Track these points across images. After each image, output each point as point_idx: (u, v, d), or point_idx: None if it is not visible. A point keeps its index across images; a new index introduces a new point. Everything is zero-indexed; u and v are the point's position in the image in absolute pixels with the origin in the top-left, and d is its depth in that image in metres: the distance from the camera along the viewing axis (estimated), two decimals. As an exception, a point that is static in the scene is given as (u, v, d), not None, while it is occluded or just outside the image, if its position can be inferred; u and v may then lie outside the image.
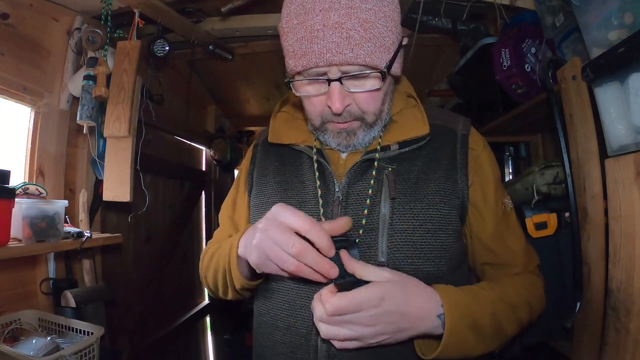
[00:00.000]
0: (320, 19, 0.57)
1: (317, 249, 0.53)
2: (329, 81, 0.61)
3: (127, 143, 1.33)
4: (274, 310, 0.72)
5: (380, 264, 0.63)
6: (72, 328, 1.16)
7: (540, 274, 0.77)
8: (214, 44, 1.77)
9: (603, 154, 0.89)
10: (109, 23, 1.31)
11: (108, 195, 1.33)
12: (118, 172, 1.32)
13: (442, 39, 1.70)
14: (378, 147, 0.70)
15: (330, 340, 0.58)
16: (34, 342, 1.03)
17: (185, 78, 2.32)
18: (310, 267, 0.53)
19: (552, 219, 1.09)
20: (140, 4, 1.32)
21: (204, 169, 2.82)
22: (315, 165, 0.72)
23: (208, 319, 2.85)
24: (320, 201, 0.69)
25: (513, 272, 0.73)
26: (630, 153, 0.80)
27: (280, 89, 2.56)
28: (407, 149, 0.70)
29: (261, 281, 0.72)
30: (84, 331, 1.15)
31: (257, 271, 0.61)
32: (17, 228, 1.06)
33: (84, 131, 1.34)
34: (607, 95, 0.85)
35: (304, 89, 0.65)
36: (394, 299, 0.55)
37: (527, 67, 1.23)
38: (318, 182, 0.71)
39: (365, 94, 0.63)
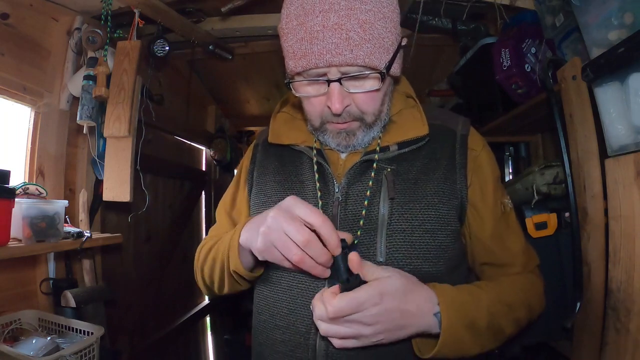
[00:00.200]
0: (320, 20, 0.58)
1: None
2: (329, 82, 0.61)
3: (127, 143, 1.33)
4: (273, 309, 0.72)
5: (378, 264, 0.63)
6: (72, 328, 1.16)
7: (540, 274, 0.77)
8: (214, 44, 1.77)
9: (603, 154, 0.89)
10: (109, 23, 1.31)
11: (108, 195, 1.33)
12: (118, 172, 1.32)
13: (442, 39, 1.70)
14: (377, 148, 0.70)
15: (329, 339, 0.58)
16: (34, 342, 1.03)
17: (185, 78, 2.32)
18: (313, 261, 0.55)
19: (552, 219, 1.09)
20: (140, 4, 1.32)
21: (204, 169, 2.82)
22: (315, 166, 0.73)
23: (208, 319, 2.85)
24: (320, 202, 0.70)
25: (512, 272, 0.73)
26: (630, 153, 0.80)
27: (280, 89, 2.56)
28: (406, 149, 0.70)
29: (259, 274, 0.72)
30: (84, 331, 1.15)
31: (260, 258, 0.61)
32: (17, 228, 1.06)
33: (84, 131, 1.34)
34: (607, 95, 0.85)
35: (304, 89, 0.65)
36: (393, 296, 0.55)
37: (527, 67, 1.23)
38: (318, 184, 0.71)
39: (365, 94, 0.63)
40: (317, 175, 0.72)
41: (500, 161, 1.82)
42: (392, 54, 0.62)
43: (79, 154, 1.50)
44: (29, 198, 1.15)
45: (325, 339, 0.60)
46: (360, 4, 0.58)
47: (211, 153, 2.70)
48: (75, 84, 1.32)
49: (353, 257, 0.55)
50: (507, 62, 1.25)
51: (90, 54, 1.33)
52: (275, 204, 0.72)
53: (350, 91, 0.62)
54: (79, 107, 1.27)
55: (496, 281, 0.71)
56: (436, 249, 0.65)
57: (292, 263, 0.57)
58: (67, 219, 1.31)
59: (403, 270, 0.63)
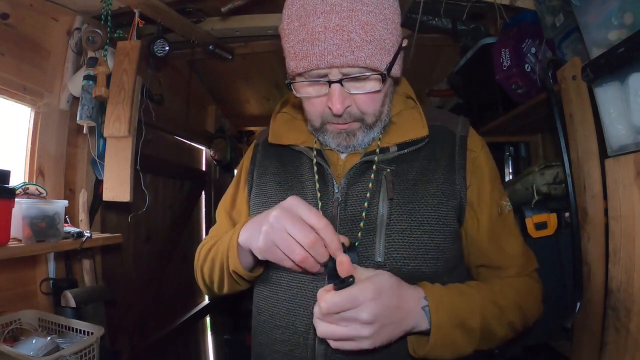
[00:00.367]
0: (321, 21, 0.58)
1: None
2: (330, 83, 0.61)
3: (127, 143, 1.33)
4: (273, 309, 0.72)
5: (377, 264, 0.64)
6: (72, 328, 1.16)
7: (539, 278, 0.76)
8: (214, 44, 1.77)
9: (603, 154, 0.89)
10: (109, 23, 1.31)
11: (108, 195, 1.33)
12: (118, 172, 1.32)
13: (442, 39, 1.70)
14: (377, 149, 0.70)
15: (327, 340, 0.57)
16: (34, 342, 1.03)
17: (185, 78, 2.32)
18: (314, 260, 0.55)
19: (552, 219, 1.09)
20: (140, 4, 1.32)
21: (204, 169, 2.82)
22: (315, 167, 0.73)
23: (208, 319, 2.85)
24: (320, 203, 0.70)
25: (507, 275, 0.72)
26: (630, 153, 0.80)
27: (281, 89, 2.56)
28: (405, 150, 0.71)
29: (258, 274, 0.72)
30: (84, 331, 1.15)
31: (260, 257, 0.61)
32: (17, 228, 1.06)
33: (84, 131, 1.34)
34: (607, 95, 0.85)
35: (305, 90, 0.66)
36: (388, 292, 0.56)
37: (527, 67, 1.23)
38: (317, 184, 0.71)
39: (365, 95, 0.63)
40: (317, 176, 0.72)
41: (500, 161, 1.82)
42: (392, 56, 0.62)
43: (79, 154, 1.50)
44: (29, 198, 1.15)
45: (324, 339, 0.60)
46: (361, 5, 0.58)
47: (211, 153, 2.70)
48: (75, 84, 1.32)
49: (343, 259, 0.55)
50: (507, 62, 1.25)
51: (90, 54, 1.33)
52: (275, 204, 0.72)
53: (351, 92, 0.62)
54: (79, 107, 1.27)
55: (488, 282, 0.70)
56: (435, 249, 0.65)
57: (293, 262, 0.57)
58: (67, 219, 1.31)
59: (402, 271, 0.63)
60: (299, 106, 0.76)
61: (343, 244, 0.58)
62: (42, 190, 1.20)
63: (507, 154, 1.83)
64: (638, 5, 0.81)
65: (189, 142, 2.55)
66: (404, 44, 0.66)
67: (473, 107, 1.64)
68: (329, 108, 0.63)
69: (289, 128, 0.79)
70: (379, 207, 0.67)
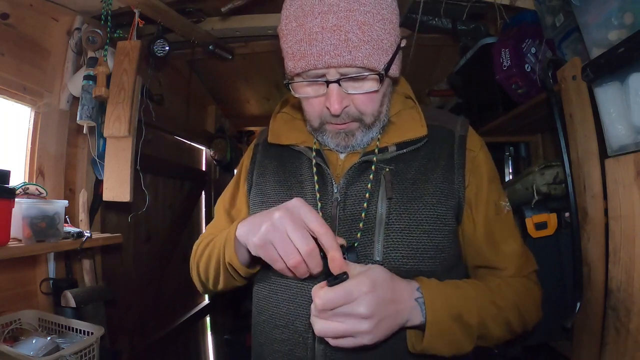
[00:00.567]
0: (318, 21, 0.58)
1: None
2: (328, 83, 0.61)
3: (127, 143, 1.33)
4: (273, 309, 0.72)
5: (376, 263, 0.64)
6: (72, 328, 1.16)
7: (537, 280, 0.74)
8: (214, 44, 1.77)
9: (603, 154, 0.89)
10: (109, 23, 1.31)
11: (108, 195, 1.33)
12: (118, 172, 1.32)
13: (442, 39, 1.70)
14: (376, 149, 0.70)
15: (325, 338, 0.57)
16: (34, 342, 1.03)
17: (185, 78, 2.32)
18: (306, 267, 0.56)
19: (552, 219, 1.09)
20: (140, 4, 1.32)
21: (204, 169, 2.82)
22: (314, 168, 0.73)
23: (208, 319, 2.85)
24: (319, 204, 0.70)
25: (505, 274, 0.71)
26: (630, 153, 0.80)
27: (280, 89, 2.56)
28: (404, 150, 0.71)
29: (254, 271, 0.71)
30: (84, 331, 1.15)
31: (253, 253, 0.61)
32: (17, 228, 1.06)
33: (84, 131, 1.34)
34: (607, 95, 0.85)
35: (303, 90, 0.66)
36: (382, 285, 0.55)
37: (527, 67, 1.23)
38: (317, 185, 0.71)
39: (364, 95, 0.63)
40: (316, 177, 0.72)
41: (500, 161, 1.82)
42: (390, 56, 0.62)
43: (79, 154, 1.50)
44: (29, 198, 1.15)
45: (323, 339, 0.60)
46: (359, 5, 0.58)
47: (211, 153, 2.70)
48: (75, 84, 1.32)
49: (335, 256, 0.54)
50: (507, 62, 1.25)
51: (90, 54, 1.33)
52: (275, 204, 0.72)
53: (349, 92, 0.62)
54: (79, 107, 1.27)
55: (487, 279, 0.70)
56: (433, 248, 0.65)
57: (286, 265, 0.57)
58: (67, 219, 1.31)
59: (401, 270, 0.63)
60: (298, 106, 0.76)
61: (342, 245, 0.58)
62: (42, 190, 1.20)
63: (507, 154, 1.83)
64: (638, 5, 0.81)
65: (189, 142, 2.55)
66: (403, 44, 0.66)
67: (473, 107, 1.64)
68: (327, 108, 0.63)
69: (289, 128, 0.79)
70: (378, 206, 0.67)
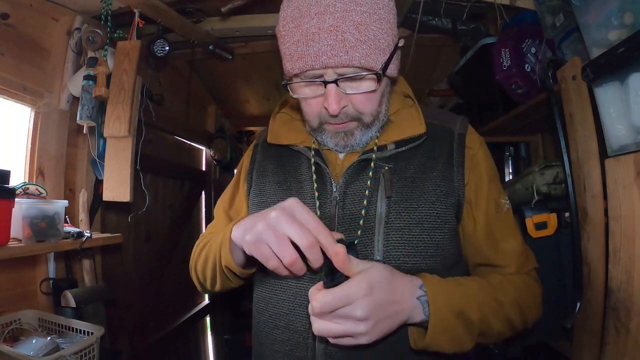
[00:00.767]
0: (315, 22, 0.58)
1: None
2: (325, 83, 0.61)
3: (127, 143, 1.33)
4: (273, 309, 0.72)
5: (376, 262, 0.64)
6: (72, 328, 1.16)
7: (538, 278, 0.75)
8: (214, 44, 1.77)
9: (603, 154, 0.89)
10: (109, 23, 1.31)
11: (108, 195, 1.33)
12: (118, 172, 1.32)
13: (442, 39, 1.70)
14: (375, 147, 0.70)
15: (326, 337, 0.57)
16: (34, 342, 1.03)
17: (185, 78, 2.32)
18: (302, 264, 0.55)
19: (552, 219, 1.09)
20: (140, 4, 1.32)
21: (204, 169, 2.82)
22: (313, 166, 0.73)
23: (208, 319, 2.85)
24: (318, 202, 0.70)
25: (505, 272, 0.71)
26: (630, 153, 0.80)
27: (280, 89, 2.56)
28: (403, 148, 0.71)
29: (251, 272, 0.71)
30: (84, 331, 1.15)
31: (247, 252, 0.59)
32: (17, 228, 1.06)
33: (84, 131, 1.34)
34: (607, 95, 0.85)
35: (301, 91, 0.66)
36: (380, 286, 0.55)
37: (527, 67, 1.23)
38: (315, 184, 0.71)
39: (362, 95, 0.63)
40: (314, 176, 0.72)
41: (500, 161, 1.82)
42: (388, 55, 0.62)
43: (79, 154, 1.50)
44: (29, 198, 1.15)
45: (323, 338, 0.60)
46: (355, 5, 0.58)
47: (211, 153, 2.70)
48: (75, 84, 1.32)
49: (338, 250, 0.54)
50: (507, 62, 1.25)
51: (90, 54, 1.33)
52: (274, 204, 0.72)
53: (347, 92, 0.63)
54: (79, 107, 1.27)
55: (488, 276, 0.70)
56: (434, 247, 0.66)
57: (280, 263, 0.56)
58: (67, 219, 1.31)
59: (401, 268, 0.62)
60: (297, 107, 0.76)
61: (341, 241, 0.58)
62: (42, 190, 1.20)
63: (507, 154, 1.83)
64: (638, 5, 0.81)
65: (189, 142, 2.55)
66: (401, 43, 0.67)
67: (473, 107, 1.64)
68: (326, 109, 0.63)
69: (288, 128, 0.79)
70: (377, 205, 0.67)
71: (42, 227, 1.11)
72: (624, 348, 0.80)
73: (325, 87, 0.62)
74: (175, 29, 1.57)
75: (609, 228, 0.87)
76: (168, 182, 2.30)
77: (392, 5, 0.65)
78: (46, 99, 1.34)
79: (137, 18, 1.34)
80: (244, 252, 0.62)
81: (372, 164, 0.69)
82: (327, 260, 0.56)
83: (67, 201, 1.20)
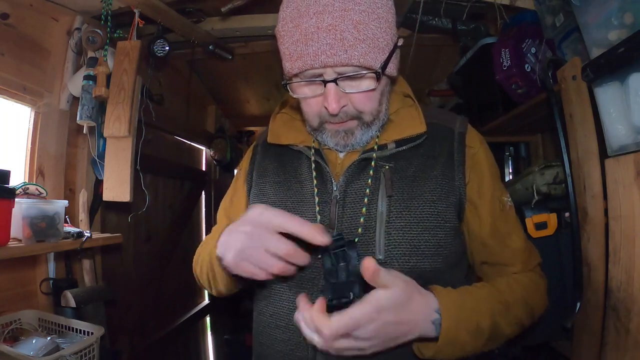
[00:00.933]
0: (314, 21, 0.58)
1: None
2: (325, 82, 0.61)
3: (127, 143, 1.33)
4: (273, 309, 0.72)
5: (378, 262, 0.63)
6: (72, 328, 1.16)
7: (542, 273, 0.76)
8: (214, 44, 1.77)
9: (603, 154, 0.89)
10: (109, 23, 1.31)
11: (108, 195, 1.33)
12: (118, 172, 1.32)
13: (442, 39, 1.70)
14: (375, 147, 0.70)
15: None
16: (34, 342, 1.03)
17: (185, 78, 2.32)
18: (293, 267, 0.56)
19: (552, 219, 1.09)
20: (140, 4, 1.32)
21: (204, 169, 2.82)
22: (313, 165, 0.73)
23: (208, 319, 2.85)
24: (317, 199, 0.70)
25: (512, 270, 0.72)
26: (630, 153, 0.80)
27: (280, 89, 2.55)
28: (404, 147, 0.71)
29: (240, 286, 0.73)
30: (84, 331, 1.15)
31: (232, 272, 0.61)
32: (17, 228, 1.06)
33: (84, 131, 1.34)
34: (607, 95, 0.85)
35: (301, 90, 0.66)
36: (390, 310, 0.54)
37: (527, 67, 1.23)
38: (315, 182, 0.71)
39: (361, 94, 0.64)
40: (314, 173, 0.72)
41: (500, 161, 1.82)
42: (387, 54, 0.63)
43: (79, 154, 1.50)
44: (29, 198, 1.15)
45: None
46: (353, 5, 0.59)
47: (211, 153, 2.70)
48: (75, 84, 1.32)
49: (369, 265, 0.52)
50: (507, 62, 1.25)
51: (90, 54, 1.33)
52: (274, 204, 0.73)
53: (347, 91, 0.63)
54: (79, 107, 1.27)
55: (496, 280, 0.70)
56: (435, 246, 0.66)
57: (267, 273, 0.57)
58: (67, 219, 1.31)
59: (403, 268, 0.63)
60: (297, 107, 0.76)
61: (341, 240, 0.58)
62: (42, 190, 1.20)
63: (507, 154, 1.83)
64: (638, 5, 0.81)
65: (189, 142, 2.55)
66: (400, 43, 0.67)
67: (473, 107, 1.64)
68: (325, 108, 0.64)
69: (288, 128, 0.79)
70: (378, 204, 0.67)
71: (42, 227, 1.11)
72: (624, 348, 0.80)
73: (324, 86, 0.62)
74: (175, 29, 1.57)
75: (609, 228, 0.87)
76: (168, 182, 2.30)
77: (391, 4, 0.65)
78: (46, 99, 1.34)
79: (137, 18, 1.34)
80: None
81: (372, 163, 0.69)
82: (327, 274, 0.56)
83: (67, 201, 1.20)
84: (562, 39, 1.14)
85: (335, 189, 0.70)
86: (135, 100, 1.34)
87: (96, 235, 1.36)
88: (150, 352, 1.97)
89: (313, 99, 0.65)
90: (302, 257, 0.56)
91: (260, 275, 0.57)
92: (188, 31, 1.61)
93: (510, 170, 1.83)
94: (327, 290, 0.59)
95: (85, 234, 1.26)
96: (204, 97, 2.68)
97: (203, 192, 2.77)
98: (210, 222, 2.79)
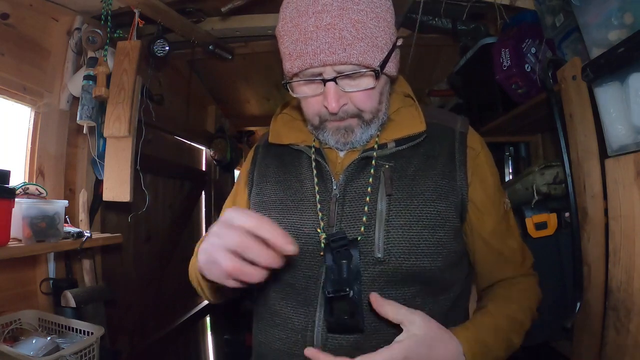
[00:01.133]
0: (313, 21, 0.59)
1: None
2: (324, 81, 0.62)
3: (127, 143, 1.33)
4: (272, 308, 0.72)
5: (377, 260, 0.64)
6: (72, 328, 1.16)
7: (534, 271, 0.79)
8: (214, 44, 1.77)
9: (603, 154, 0.89)
10: (109, 23, 1.31)
11: (108, 195, 1.33)
12: (118, 172, 1.32)
13: (442, 39, 1.69)
14: (375, 146, 0.71)
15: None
16: (34, 342, 1.03)
17: (185, 78, 2.32)
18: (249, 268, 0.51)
19: (552, 219, 1.09)
20: (140, 4, 1.32)
21: (204, 169, 2.82)
22: (314, 164, 0.73)
23: (208, 319, 2.85)
24: (318, 197, 0.70)
25: (511, 269, 0.75)
26: (630, 153, 0.80)
27: (280, 89, 2.56)
28: (404, 146, 0.71)
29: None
30: (84, 331, 1.15)
31: (206, 276, 0.57)
32: (17, 228, 1.06)
33: (84, 131, 1.34)
34: (607, 95, 0.85)
35: (301, 89, 0.66)
36: (418, 356, 0.56)
37: (527, 67, 1.23)
38: (316, 180, 0.72)
39: (361, 93, 0.64)
40: (315, 172, 0.73)
41: (500, 161, 1.82)
42: (386, 53, 0.63)
43: (79, 154, 1.50)
44: (29, 198, 1.15)
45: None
46: (352, 4, 0.59)
47: (211, 153, 2.70)
48: (75, 84, 1.32)
49: (373, 297, 0.55)
50: (507, 62, 1.25)
51: (90, 54, 1.33)
52: (274, 203, 0.73)
53: (346, 90, 0.63)
54: (79, 107, 1.27)
55: (505, 298, 0.72)
56: (435, 245, 0.66)
57: (235, 280, 0.53)
58: (67, 219, 1.31)
59: (402, 267, 0.63)
60: (298, 108, 0.77)
61: (344, 239, 0.58)
62: (42, 190, 1.20)
63: (507, 154, 1.83)
64: (638, 5, 0.81)
65: (189, 142, 2.55)
66: (399, 43, 0.67)
67: (473, 107, 1.64)
68: (325, 107, 0.64)
69: (289, 128, 0.80)
70: (378, 203, 0.67)
71: (42, 227, 1.11)
72: (624, 348, 0.80)
73: (324, 85, 0.62)
74: (175, 29, 1.57)
75: (609, 228, 0.87)
76: (168, 182, 2.30)
77: (390, 4, 0.66)
78: (46, 99, 1.34)
79: (137, 18, 1.34)
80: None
81: (372, 162, 0.70)
82: (328, 270, 0.57)
83: (67, 201, 1.20)
84: (562, 39, 1.14)
85: (335, 187, 0.70)
86: (135, 100, 1.34)
87: (96, 235, 1.36)
88: (150, 352, 1.97)
89: (313, 98, 0.66)
90: (259, 252, 0.50)
91: (229, 283, 0.53)
92: (188, 31, 1.61)
93: (510, 170, 1.83)
94: (327, 284, 0.60)
95: (85, 234, 1.26)
96: (204, 97, 2.68)
97: (203, 192, 2.77)
98: (210, 222, 2.79)
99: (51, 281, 1.30)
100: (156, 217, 2.16)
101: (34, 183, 1.24)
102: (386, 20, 0.63)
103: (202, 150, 2.77)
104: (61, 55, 1.38)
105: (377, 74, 0.62)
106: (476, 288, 0.81)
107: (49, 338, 1.06)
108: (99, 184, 1.49)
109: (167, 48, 1.50)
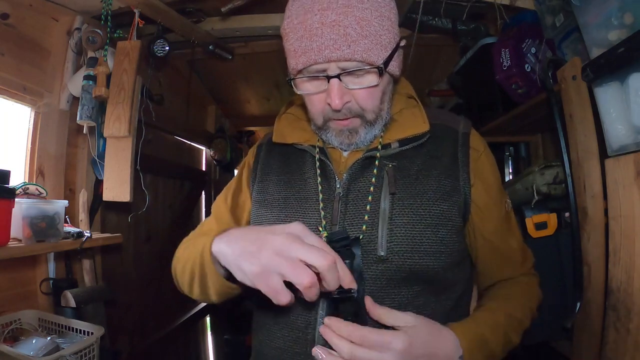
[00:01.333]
0: (318, 18, 0.60)
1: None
2: (328, 78, 0.62)
3: (127, 143, 1.33)
4: (273, 306, 0.72)
5: (380, 258, 0.64)
6: (72, 328, 1.16)
7: (535, 271, 0.80)
8: (214, 44, 1.77)
9: (603, 154, 0.89)
10: (109, 23, 1.31)
11: (108, 195, 1.33)
12: (118, 172, 1.32)
13: (442, 39, 1.70)
14: (379, 146, 0.71)
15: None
16: (34, 342, 1.03)
17: (185, 78, 2.32)
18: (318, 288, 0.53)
19: (552, 219, 1.09)
20: (140, 4, 1.32)
21: (204, 169, 2.82)
22: (317, 163, 0.74)
23: (208, 319, 2.85)
24: (321, 195, 0.70)
25: (512, 269, 0.76)
26: (630, 153, 0.80)
27: (281, 89, 2.56)
28: (407, 146, 0.71)
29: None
30: (84, 331, 1.15)
31: (249, 284, 0.55)
32: (17, 228, 1.06)
33: (84, 131, 1.34)
34: (607, 95, 0.85)
35: (305, 86, 0.67)
36: (421, 343, 0.57)
37: (527, 67, 1.23)
38: (319, 179, 0.72)
39: (364, 90, 0.64)
40: (318, 171, 0.73)
41: (500, 161, 1.82)
42: (389, 52, 0.64)
43: (79, 154, 1.50)
44: (29, 198, 1.15)
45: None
46: (357, 2, 0.60)
47: (211, 153, 2.70)
48: (75, 84, 1.32)
49: (366, 300, 0.57)
50: (507, 62, 1.25)
51: (90, 54, 1.33)
52: (276, 202, 0.73)
53: (350, 87, 0.64)
54: (79, 107, 1.28)
55: (505, 297, 0.72)
56: (437, 244, 0.66)
57: (289, 294, 0.52)
58: (67, 219, 1.31)
59: (405, 265, 0.64)
60: (303, 107, 0.78)
61: (346, 239, 0.59)
62: (42, 190, 1.20)
63: (507, 154, 1.83)
64: (638, 5, 0.81)
65: (189, 142, 2.55)
66: (402, 43, 0.68)
67: (473, 107, 1.64)
68: (329, 105, 0.64)
69: (293, 128, 0.80)
70: (381, 201, 0.67)
71: (42, 227, 1.11)
72: (624, 348, 0.80)
73: (328, 82, 0.63)
74: (175, 29, 1.57)
75: (609, 228, 0.87)
76: (168, 182, 2.30)
77: (394, 4, 0.67)
78: (46, 99, 1.34)
79: (137, 18, 1.34)
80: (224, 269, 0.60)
81: (376, 162, 0.70)
82: (356, 305, 0.57)
83: (67, 201, 1.20)
84: (562, 39, 1.14)
85: (338, 186, 0.70)
86: (135, 100, 1.34)
87: (96, 235, 1.37)
88: (150, 352, 1.96)
89: (317, 96, 0.66)
90: (336, 277, 0.52)
91: (284, 298, 0.52)
92: (188, 31, 1.61)
93: (510, 170, 1.83)
94: None
95: (85, 234, 1.26)
96: (204, 97, 2.68)
97: (203, 192, 2.77)
98: (210, 222, 2.79)
99: (51, 281, 1.30)
100: (156, 217, 2.16)
101: (34, 183, 1.24)
102: (390, 19, 0.64)
103: (202, 150, 2.77)
104: (61, 55, 1.38)
105: (380, 71, 0.63)
106: (477, 287, 0.81)
107: (49, 338, 1.06)
108: (99, 184, 1.49)
109: (167, 48, 1.50)
